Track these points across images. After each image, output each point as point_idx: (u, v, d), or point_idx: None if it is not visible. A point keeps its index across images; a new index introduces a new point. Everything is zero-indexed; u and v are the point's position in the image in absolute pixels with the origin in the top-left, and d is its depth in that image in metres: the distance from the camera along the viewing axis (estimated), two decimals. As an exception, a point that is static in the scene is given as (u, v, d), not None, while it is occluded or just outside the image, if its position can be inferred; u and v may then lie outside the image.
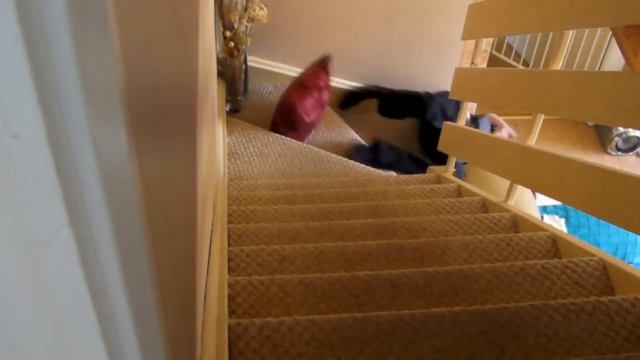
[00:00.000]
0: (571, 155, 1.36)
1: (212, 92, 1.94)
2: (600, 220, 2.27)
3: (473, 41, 2.36)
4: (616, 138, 3.41)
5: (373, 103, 2.92)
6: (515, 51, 4.05)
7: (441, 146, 2.28)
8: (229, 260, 1.29)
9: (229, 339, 0.98)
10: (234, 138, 2.46)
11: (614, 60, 3.47)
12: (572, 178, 1.33)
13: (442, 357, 0.97)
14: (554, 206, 2.67)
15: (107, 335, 0.31)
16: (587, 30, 3.47)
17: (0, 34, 0.21)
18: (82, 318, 0.30)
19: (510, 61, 4.04)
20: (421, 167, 2.53)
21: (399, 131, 2.98)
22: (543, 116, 1.53)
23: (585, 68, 3.62)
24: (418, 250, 1.34)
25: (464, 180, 2.19)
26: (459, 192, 1.93)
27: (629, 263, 1.43)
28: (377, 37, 2.85)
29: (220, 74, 2.62)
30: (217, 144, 2.04)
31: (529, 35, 3.93)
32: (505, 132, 2.91)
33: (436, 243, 1.37)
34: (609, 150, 3.48)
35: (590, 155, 3.51)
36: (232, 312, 1.10)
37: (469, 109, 2.55)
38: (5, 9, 0.21)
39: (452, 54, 2.88)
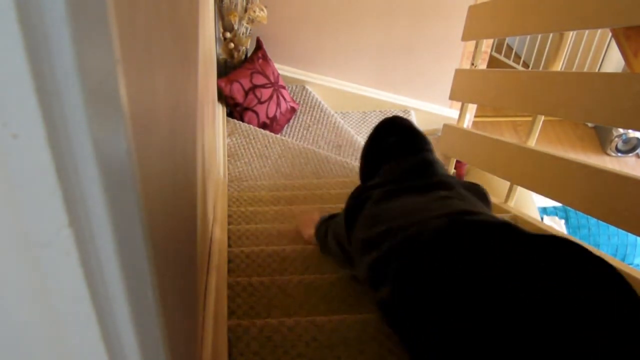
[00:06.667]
0: (571, 157, 1.36)
1: (212, 93, 1.94)
2: (600, 222, 2.27)
3: (473, 42, 2.37)
4: (616, 139, 3.41)
5: None
6: (515, 52, 4.05)
7: (442, 147, 2.28)
8: (229, 262, 1.29)
9: (229, 340, 0.98)
10: (234, 139, 2.47)
11: (614, 61, 3.47)
12: (572, 179, 1.33)
13: (442, 358, 0.95)
14: (554, 207, 2.67)
15: (107, 335, 0.31)
16: (587, 31, 3.47)
17: (1, 34, 0.21)
18: (82, 318, 0.30)
19: (510, 62, 4.04)
20: None
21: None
22: (543, 117, 1.53)
23: (585, 69, 3.62)
24: (418, 251, 1.34)
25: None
26: (459, 193, 1.93)
27: (629, 264, 1.43)
28: (377, 38, 2.85)
29: (221, 75, 2.62)
30: (217, 145, 2.04)
31: (529, 37, 3.93)
32: None
33: (436, 244, 1.36)
34: (608, 151, 3.48)
35: (590, 156, 3.51)
36: (232, 313, 1.10)
37: (469, 109, 2.54)
38: (6, 10, 0.21)
39: (452, 55, 2.88)
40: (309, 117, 2.84)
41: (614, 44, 3.33)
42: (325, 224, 1.23)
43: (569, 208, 2.57)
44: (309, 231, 1.38)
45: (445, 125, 2.18)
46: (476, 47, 2.02)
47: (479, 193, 1.00)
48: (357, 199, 0.99)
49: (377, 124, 1.18)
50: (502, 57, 4.11)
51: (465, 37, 2.03)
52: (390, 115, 1.20)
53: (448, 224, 0.77)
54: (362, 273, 0.87)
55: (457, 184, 0.97)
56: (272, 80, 2.67)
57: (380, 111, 3.07)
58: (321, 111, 2.86)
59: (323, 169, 2.35)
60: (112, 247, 0.29)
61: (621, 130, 3.36)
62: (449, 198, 0.90)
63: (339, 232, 1.05)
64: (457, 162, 2.33)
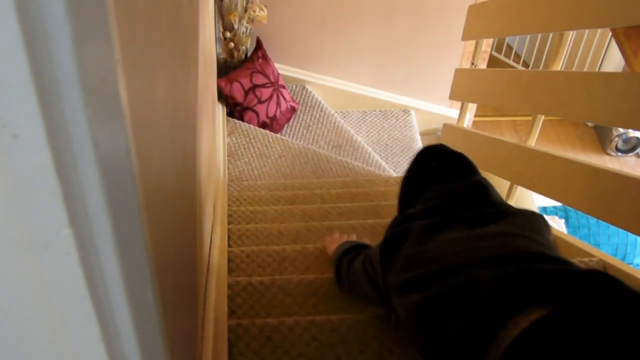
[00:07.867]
0: (571, 156, 1.36)
1: (212, 93, 1.94)
2: (600, 221, 2.27)
3: (473, 42, 2.36)
4: (616, 139, 3.41)
5: None
6: (515, 52, 4.05)
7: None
8: (229, 261, 1.29)
9: (229, 339, 0.98)
10: (234, 139, 2.47)
11: (614, 61, 3.47)
12: (572, 179, 1.33)
13: (442, 357, 0.95)
14: (554, 207, 2.67)
15: (107, 335, 0.31)
16: (587, 31, 3.47)
17: (1, 34, 0.21)
18: (82, 318, 0.30)
19: (510, 62, 4.04)
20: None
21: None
22: (543, 117, 1.53)
23: (585, 69, 3.62)
24: (418, 251, 1.33)
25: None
26: (459, 192, 1.92)
27: (629, 264, 1.43)
28: (377, 37, 2.85)
29: (221, 75, 2.62)
30: (217, 144, 2.04)
31: (529, 36, 3.93)
32: None
33: (436, 244, 1.36)
34: (608, 151, 3.48)
35: (590, 156, 3.51)
36: (232, 313, 1.10)
37: (469, 109, 2.54)
38: (6, 9, 0.21)
39: (452, 55, 2.88)
40: (309, 117, 2.84)
41: (614, 44, 3.33)
42: (350, 256, 1.08)
43: (569, 208, 2.57)
44: (332, 247, 1.27)
45: (445, 125, 2.18)
46: (476, 46, 2.02)
47: (537, 219, 0.83)
48: (396, 229, 0.84)
49: (417, 152, 1.05)
50: (502, 57, 4.10)
51: (465, 37, 2.03)
52: (435, 144, 1.05)
53: (503, 276, 0.64)
54: (403, 314, 0.75)
55: (513, 213, 0.82)
56: (272, 80, 2.67)
57: (380, 111, 3.07)
58: (321, 111, 2.86)
59: (323, 168, 2.35)
60: (112, 247, 0.29)
61: (621, 130, 3.36)
62: (504, 235, 0.75)
63: (369, 267, 0.91)
64: (457, 161, 2.33)
